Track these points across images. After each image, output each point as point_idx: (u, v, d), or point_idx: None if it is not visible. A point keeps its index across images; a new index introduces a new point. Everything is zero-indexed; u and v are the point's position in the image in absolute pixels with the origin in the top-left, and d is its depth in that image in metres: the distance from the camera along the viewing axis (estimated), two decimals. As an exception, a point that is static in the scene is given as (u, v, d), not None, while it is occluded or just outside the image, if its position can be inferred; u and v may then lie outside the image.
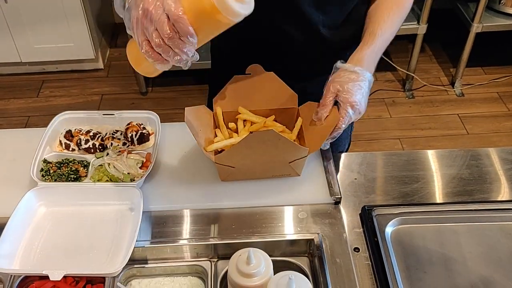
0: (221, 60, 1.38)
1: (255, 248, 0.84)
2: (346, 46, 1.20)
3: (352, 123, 1.49)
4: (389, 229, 1.06)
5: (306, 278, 0.82)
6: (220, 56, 1.37)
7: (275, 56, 1.20)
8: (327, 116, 1.07)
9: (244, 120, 1.16)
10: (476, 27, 2.72)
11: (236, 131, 1.15)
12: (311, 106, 1.13)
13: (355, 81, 1.04)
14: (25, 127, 2.80)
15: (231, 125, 1.16)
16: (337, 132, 1.06)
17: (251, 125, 1.15)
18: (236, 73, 1.15)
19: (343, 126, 1.05)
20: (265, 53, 1.18)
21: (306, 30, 1.17)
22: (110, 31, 3.43)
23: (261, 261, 0.81)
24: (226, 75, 1.17)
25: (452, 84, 3.02)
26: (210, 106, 1.19)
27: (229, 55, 1.32)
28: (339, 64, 1.08)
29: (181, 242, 1.04)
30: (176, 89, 3.03)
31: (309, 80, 1.26)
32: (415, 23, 2.74)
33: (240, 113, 1.17)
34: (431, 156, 1.25)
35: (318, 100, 1.10)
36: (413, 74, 2.95)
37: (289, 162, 1.09)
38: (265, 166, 1.11)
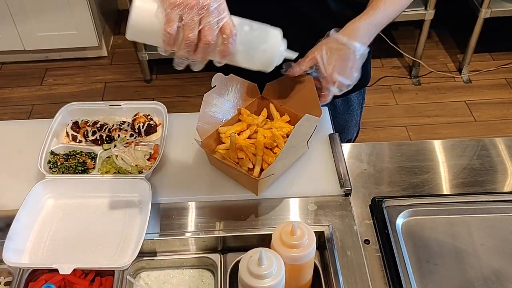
0: None
1: (266, 248, 0.82)
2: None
3: (361, 110, 1.48)
4: (399, 221, 1.05)
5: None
6: None
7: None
8: (298, 81, 1.09)
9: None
10: (484, 12, 2.68)
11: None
12: (273, 85, 1.16)
13: (342, 56, 1.02)
14: (29, 116, 2.80)
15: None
16: (323, 103, 1.08)
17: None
18: None
19: (327, 100, 1.07)
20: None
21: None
22: (114, 18, 3.40)
23: (273, 262, 0.80)
24: None
25: (460, 70, 2.99)
26: None
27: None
28: (332, 32, 1.06)
29: (190, 234, 1.03)
30: (181, 77, 3.01)
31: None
32: (423, 8, 2.70)
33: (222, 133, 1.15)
34: (441, 146, 1.23)
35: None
36: (419, 61, 2.92)
37: (307, 140, 1.10)
38: (292, 154, 1.11)
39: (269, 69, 0.94)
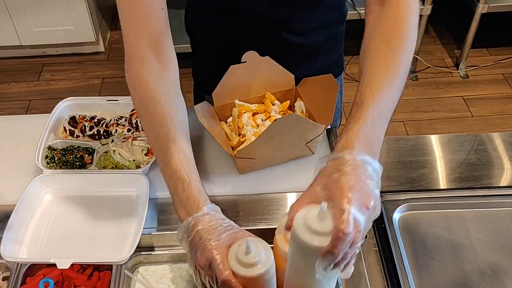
0: (202, 48, 1.30)
1: (252, 237, 0.80)
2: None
3: (342, 96, 1.40)
4: (396, 215, 1.06)
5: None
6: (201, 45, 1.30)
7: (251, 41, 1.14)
8: (325, 83, 1.05)
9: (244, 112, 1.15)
10: (481, 8, 2.68)
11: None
12: (308, 82, 1.14)
13: (347, 175, 0.72)
14: (26, 111, 2.79)
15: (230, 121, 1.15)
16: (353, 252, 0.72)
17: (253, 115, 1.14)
18: (219, 59, 1.13)
19: (358, 244, 0.71)
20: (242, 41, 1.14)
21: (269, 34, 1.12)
22: (111, 13, 3.39)
23: (260, 250, 0.77)
24: (209, 61, 1.18)
25: (457, 65, 2.99)
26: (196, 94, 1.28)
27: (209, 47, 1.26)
28: (322, 158, 0.78)
29: (188, 229, 1.03)
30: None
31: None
32: (420, 4, 2.70)
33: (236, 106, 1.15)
34: (439, 141, 1.24)
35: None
36: (417, 56, 2.92)
37: (307, 143, 1.09)
38: (284, 151, 1.10)
39: None
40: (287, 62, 1.14)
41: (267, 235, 0.88)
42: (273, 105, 1.16)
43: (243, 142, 1.10)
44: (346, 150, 0.75)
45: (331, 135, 1.21)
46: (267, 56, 1.12)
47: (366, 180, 0.73)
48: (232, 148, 1.10)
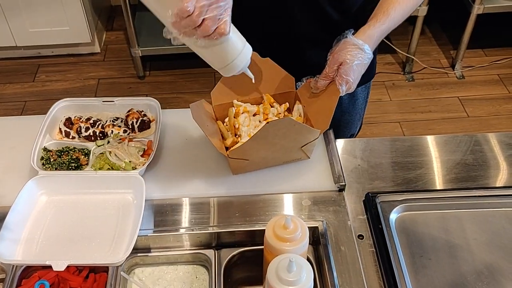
0: None
1: (296, 255, 0.82)
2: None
3: (366, 104, 1.49)
4: (393, 216, 1.06)
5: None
6: None
7: (279, 26, 1.18)
8: (327, 88, 1.07)
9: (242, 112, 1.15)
10: (477, 9, 2.69)
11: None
12: (309, 86, 1.13)
13: (360, 61, 1.04)
14: (22, 112, 2.78)
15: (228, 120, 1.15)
16: None
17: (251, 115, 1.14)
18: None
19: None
20: (269, 23, 1.17)
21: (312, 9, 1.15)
22: (106, 14, 3.38)
23: (302, 269, 0.79)
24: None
25: (453, 66, 2.99)
26: None
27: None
28: (349, 35, 1.05)
29: (184, 230, 1.03)
30: (174, 73, 3.00)
31: (309, 49, 1.24)
32: (416, 4, 2.70)
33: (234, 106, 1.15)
34: (435, 141, 1.24)
35: (319, 71, 1.09)
36: (413, 57, 2.92)
37: (301, 147, 1.09)
38: (278, 154, 1.10)
39: (226, 75, 0.97)
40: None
41: (263, 236, 0.88)
42: (271, 107, 1.15)
43: (238, 143, 1.10)
44: (367, 44, 1.04)
45: (329, 138, 1.20)
46: (268, 58, 1.12)
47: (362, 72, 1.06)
48: (226, 148, 1.10)
